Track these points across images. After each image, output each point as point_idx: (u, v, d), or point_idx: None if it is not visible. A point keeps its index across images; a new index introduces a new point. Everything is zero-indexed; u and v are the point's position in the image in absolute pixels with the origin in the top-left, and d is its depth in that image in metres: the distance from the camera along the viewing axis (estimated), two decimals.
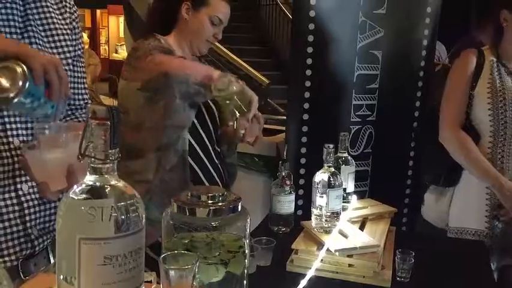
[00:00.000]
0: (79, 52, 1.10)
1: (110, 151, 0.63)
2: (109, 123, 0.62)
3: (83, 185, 0.65)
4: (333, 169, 1.38)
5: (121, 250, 0.63)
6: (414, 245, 1.29)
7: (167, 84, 1.35)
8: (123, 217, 0.64)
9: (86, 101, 1.14)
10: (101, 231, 0.63)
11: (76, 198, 0.64)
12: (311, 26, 1.94)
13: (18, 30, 0.98)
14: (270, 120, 2.64)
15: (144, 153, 1.43)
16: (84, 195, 0.64)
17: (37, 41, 1.00)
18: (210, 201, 0.77)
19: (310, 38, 1.94)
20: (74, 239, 0.62)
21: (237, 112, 1.36)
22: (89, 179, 0.65)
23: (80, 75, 1.12)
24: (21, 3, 0.99)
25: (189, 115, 1.44)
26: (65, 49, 1.06)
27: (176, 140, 1.42)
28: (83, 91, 1.14)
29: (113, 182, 0.65)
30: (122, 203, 0.64)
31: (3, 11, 0.96)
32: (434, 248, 1.45)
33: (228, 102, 1.36)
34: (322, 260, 1.23)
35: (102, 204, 0.63)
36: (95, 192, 0.64)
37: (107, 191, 0.64)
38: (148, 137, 1.43)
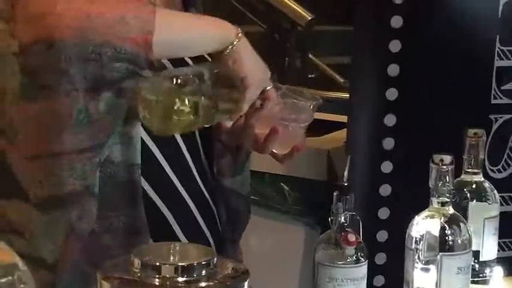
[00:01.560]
0: None
1: None
2: None
3: None
4: (451, 210, 1.42)
5: None
6: None
7: (56, 65, 1.37)
8: None
9: None
10: None
11: None
12: None
13: None
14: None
15: (27, 207, 1.44)
16: None
17: None
18: (180, 279, 0.82)
19: None
20: None
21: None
22: None
23: None
24: None
25: (115, 116, 1.43)
26: None
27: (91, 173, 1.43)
28: None
29: None
30: None
31: None
32: None
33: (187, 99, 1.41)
34: None
35: None
36: None
37: None
38: (29, 171, 1.44)
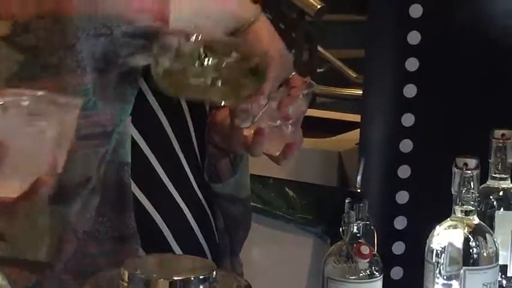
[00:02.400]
0: None
1: None
2: None
3: None
4: (476, 219, 1.41)
5: None
6: None
7: (63, 41, 1.38)
8: None
9: None
10: None
11: None
12: None
13: None
14: (322, 100, 2.60)
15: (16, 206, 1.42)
16: None
17: None
18: None
19: None
20: None
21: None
22: None
23: None
24: None
25: (123, 102, 1.46)
26: None
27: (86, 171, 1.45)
28: None
29: None
30: None
31: None
32: None
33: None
34: None
35: None
36: None
37: None
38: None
